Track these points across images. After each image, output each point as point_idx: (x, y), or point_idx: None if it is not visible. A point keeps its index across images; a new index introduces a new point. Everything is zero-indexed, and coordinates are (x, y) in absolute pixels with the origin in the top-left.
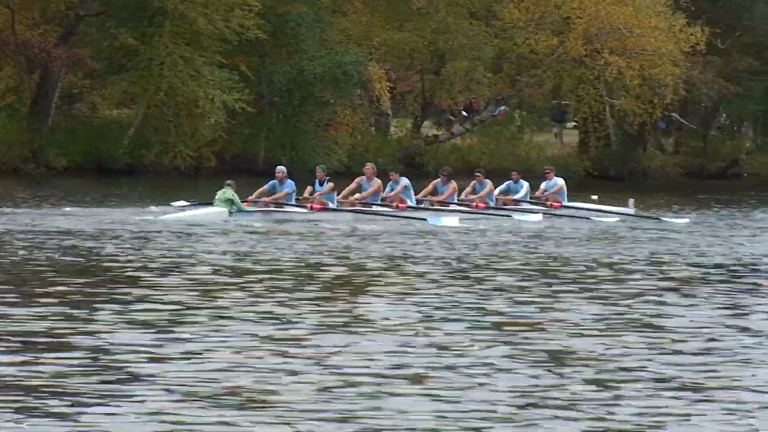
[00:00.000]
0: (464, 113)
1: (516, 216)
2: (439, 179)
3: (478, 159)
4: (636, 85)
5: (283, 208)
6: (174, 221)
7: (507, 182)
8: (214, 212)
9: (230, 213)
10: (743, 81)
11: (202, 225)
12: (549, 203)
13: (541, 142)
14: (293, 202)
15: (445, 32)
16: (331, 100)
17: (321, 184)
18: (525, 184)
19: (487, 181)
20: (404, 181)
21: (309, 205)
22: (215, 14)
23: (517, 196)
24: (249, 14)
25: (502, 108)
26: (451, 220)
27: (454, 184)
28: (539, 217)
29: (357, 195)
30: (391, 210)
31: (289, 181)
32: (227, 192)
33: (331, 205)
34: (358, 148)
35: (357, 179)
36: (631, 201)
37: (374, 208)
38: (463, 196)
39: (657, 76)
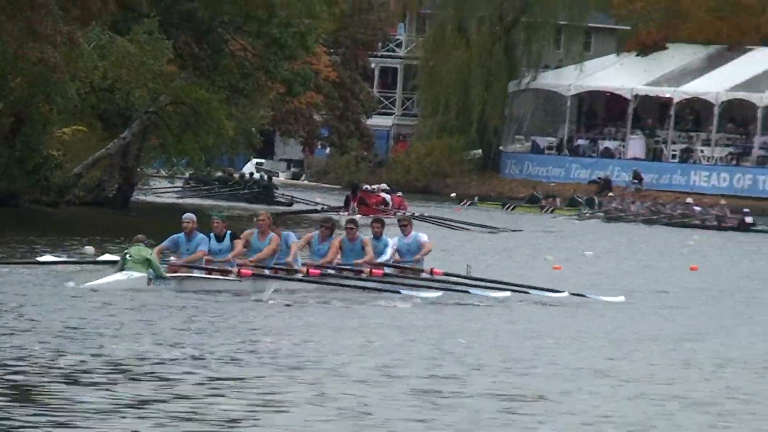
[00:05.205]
0: None
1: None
2: (317, 233)
3: None
4: None
5: (191, 272)
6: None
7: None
8: (129, 279)
9: (149, 280)
10: None
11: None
12: (431, 270)
13: None
14: (203, 265)
15: None
16: None
17: (220, 240)
18: (390, 242)
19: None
20: (293, 236)
21: (236, 269)
22: None
23: (382, 259)
24: None
25: None
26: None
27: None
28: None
29: (256, 255)
30: (356, 280)
31: (200, 234)
32: (142, 250)
33: (266, 272)
34: None
35: (246, 233)
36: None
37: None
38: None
39: None
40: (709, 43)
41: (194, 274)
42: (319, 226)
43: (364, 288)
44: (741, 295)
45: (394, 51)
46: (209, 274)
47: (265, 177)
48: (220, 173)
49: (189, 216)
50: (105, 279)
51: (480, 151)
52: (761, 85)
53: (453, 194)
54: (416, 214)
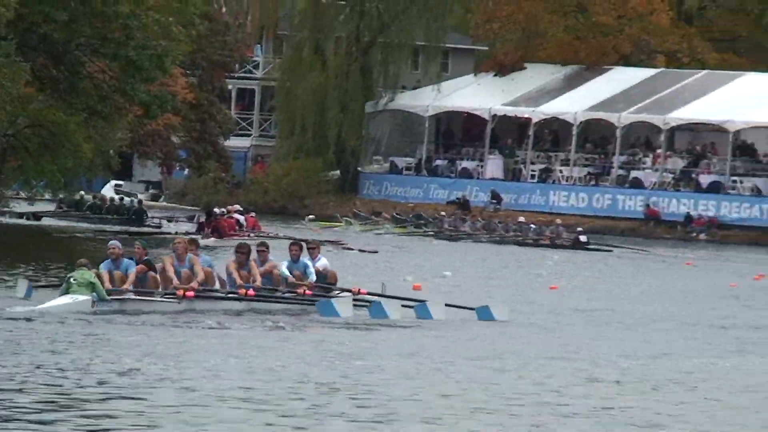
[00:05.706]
0: None
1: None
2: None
3: None
4: None
5: (125, 295)
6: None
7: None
8: (74, 302)
9: (93, 302)
10: None
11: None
12: (358, 290)
13: None
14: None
15: None
16: None
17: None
18: (309, 264)
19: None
20: (205, 258)
21: (181, 291)
22: None
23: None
24: None
25: None
26: (345, 307)
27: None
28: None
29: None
30: (287, 295)
31: (125, 260)
32: (86, 273)
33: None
34: None
35: (167, 259)
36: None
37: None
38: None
39: None
40: (567, 63)
41: (135, 297)
42: (234, 253)
43: (302, 303)
44: (600, 313)
45: (251, 72)
46: (141, 296)
47: (135, 201)
48: (91, 198)
49: (114, 243)
50: (50, 303)
51: (338, 171)
52: (619, 104)
53: (309, 216)
54: (271, 234)
